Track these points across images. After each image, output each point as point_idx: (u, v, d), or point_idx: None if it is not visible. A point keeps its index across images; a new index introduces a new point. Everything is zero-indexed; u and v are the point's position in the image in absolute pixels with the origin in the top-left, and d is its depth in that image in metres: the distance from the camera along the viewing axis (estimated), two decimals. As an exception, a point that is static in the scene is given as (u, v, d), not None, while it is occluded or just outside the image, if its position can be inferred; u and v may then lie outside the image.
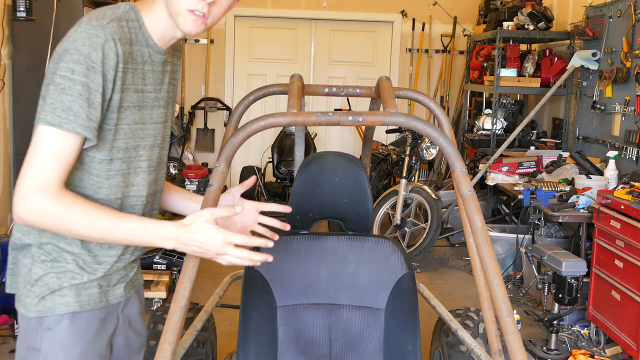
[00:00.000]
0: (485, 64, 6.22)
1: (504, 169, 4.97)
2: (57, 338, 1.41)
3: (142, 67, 1.39)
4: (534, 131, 5.96)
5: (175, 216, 6.33)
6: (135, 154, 1.42)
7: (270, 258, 1.40)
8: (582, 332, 3.89)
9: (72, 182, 1.36)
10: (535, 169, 4.96)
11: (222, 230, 1.33)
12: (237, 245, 1.34)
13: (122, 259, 1.49)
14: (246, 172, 6.64)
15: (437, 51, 7.59)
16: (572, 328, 3.93)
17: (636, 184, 3.66)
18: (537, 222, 4.43)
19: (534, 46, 6.30)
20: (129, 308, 1.57)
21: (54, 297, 1.40)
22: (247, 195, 6.45)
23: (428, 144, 5.32)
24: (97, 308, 1.45)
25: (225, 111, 7.49)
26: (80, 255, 1.41)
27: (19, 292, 1.43)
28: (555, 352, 3.58)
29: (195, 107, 7.44)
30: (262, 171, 6.50)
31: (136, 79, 1.38)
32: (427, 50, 7.59)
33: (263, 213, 1.66)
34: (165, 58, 1.47)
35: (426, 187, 5.14)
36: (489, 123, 5.93)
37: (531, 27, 5.59)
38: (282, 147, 6.44)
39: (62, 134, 1.26)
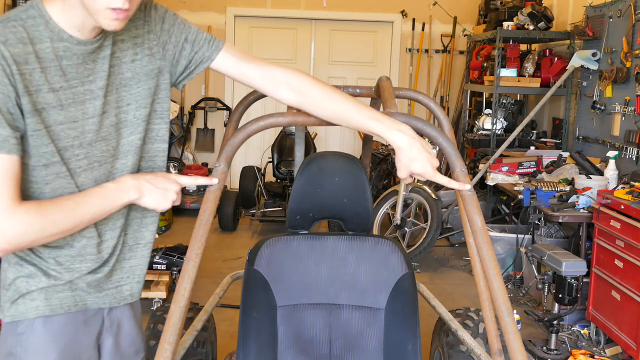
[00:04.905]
0: (485, 64, 6.22)
1: (504, 169, 4.97)
2: (30, 342, 1.40)
3: (56, 64, 1.29)
4: (534, 131, 5.96)
5: (176, 213, 6.28)
6: (70, 154, 1.34)
7: (215, 180, 1.47)
8: (582, 332, 3.89)
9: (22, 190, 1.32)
10: (535, 169, 4.96)
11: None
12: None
13: (99, 271, 1.45)
14: (246, 172, 6.65)
15: (437, 51, 7.59)
16: (572, 328, 3.93)
17: (636, 184, 3.66)
18: (537, 222, 4.43)
19: (534, 46, 6.30)
20: (117, 312, 1.54)
21: (25, 301, 1.39)
22: (247, 194, 6.44)
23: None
24: (72, 312, 1.43)
25: (225, 111, 7.49)
26: (45, 260, 1.39)
27: None
28: (555, 352, 3.58)
29: (195, 107, 7.44)
30: (262, 171, 6.50)
31: (50, 77, 1.28)
32: (427, 50, 7.59)
33: None
34: (97, 46, 1.34)
35: (426, 187, 5.14)
36: (489, 123, 5.94)
37: (531, 27, 5.59)
38: (282, 147, 6.44)
39: None
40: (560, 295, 3.64)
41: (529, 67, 5.70)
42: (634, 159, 4.33)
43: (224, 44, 1.50)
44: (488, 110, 6.16)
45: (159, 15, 1.43)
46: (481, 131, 6.09)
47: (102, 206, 1.36)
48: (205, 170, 6.74)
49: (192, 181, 1.48)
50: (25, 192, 1.32)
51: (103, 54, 1.36)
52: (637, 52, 4.34)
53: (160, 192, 1.42)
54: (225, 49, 1.49)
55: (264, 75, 1.49)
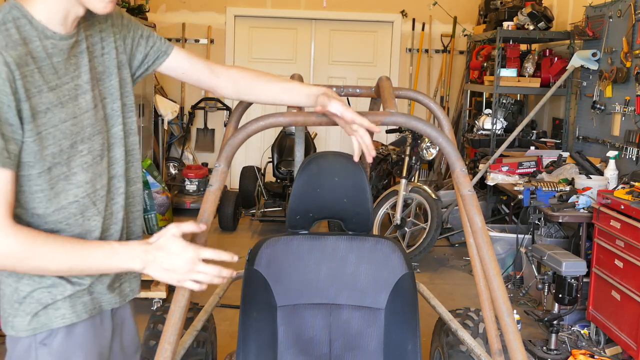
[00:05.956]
0: (485, 64, 6.22)
1: (504, 169, 4.97)
2: (53, 353, 1.37)
3: (48, 62, 1.29)
4: (534, 131, 5.96)
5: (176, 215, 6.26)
6: (76, 150, 1.34)
7: (236, 257, 1.38)
8: (582, 332, 3.89)
9: (23, 206, 1.30)
10: (535, 169, 4.97)
11: (191, 245, 1.33)
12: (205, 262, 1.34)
13: None
14: (246, 172, 6.65)
15: (437, 51, 7.59)
16: (572, 328, 3.93)
17: (636, 184, 3.66)
18: (537, 222, 4.43)
19: (534, 46, 6.30)
20: (121, 311, 1.54)
21: (47, 312, 1.35)
22: (247, 194, 6.41)
23: (428, 144, 5.32)
24: (93, 316, 1.42)
25: (225, 111, 7.49)
26: None
27: (5, 313, 1.36)
28: (555, 352, 3.58)
29: (195, 107, 7.44)
30: (262, 171, 6.50)
31: (47, 76, 1.29)
32: (427, 50, 7.59)
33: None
34: (75, 40, 1.35)
35: (426, 187, 5.14)
36: (489, 123, 5.94)
37: (531, 27, 5.59)
38: (282, 147, 6.44)
39: None
40: (560, 295, 3.63)
41: (529, 67, 5.71)
42: (634, 159, 4.33)
43: (173, 46, 1.61)
44: (488, 110, 6.16)
45: (116, 11, 1.48)
46: (481, 131, 6.09)
47: (100, 263, 1.31)
48: (205, 170, 6.73)
49: (216, 255, 1.35)
50: (32, 204, 1.30)
51: (80, 48, 1.38)
52: (637, 52, 4.34)
53: (168, 272, 1.33)
54: (176, 48, 1.60)
55: (209, 70, 1.63)
